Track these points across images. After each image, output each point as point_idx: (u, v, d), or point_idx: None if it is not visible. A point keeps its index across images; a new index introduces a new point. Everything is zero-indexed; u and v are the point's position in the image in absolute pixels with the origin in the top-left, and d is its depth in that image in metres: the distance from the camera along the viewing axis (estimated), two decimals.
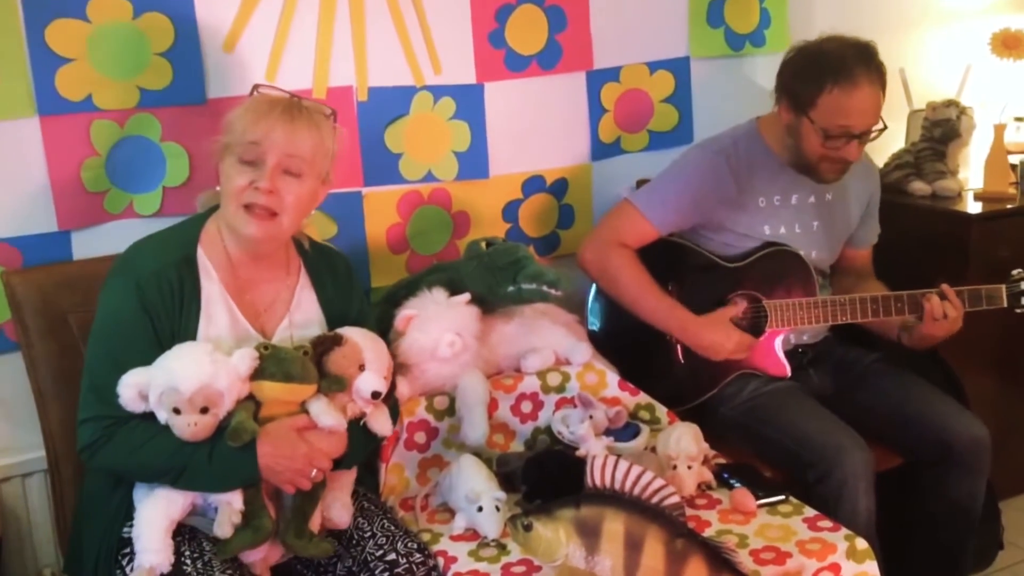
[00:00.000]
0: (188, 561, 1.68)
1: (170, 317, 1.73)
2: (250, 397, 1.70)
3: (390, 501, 2.02)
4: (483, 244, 2.27)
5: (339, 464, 1.78)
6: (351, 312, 1.92)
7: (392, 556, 1.76)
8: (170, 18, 2.14)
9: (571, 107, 2.66)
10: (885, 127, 2.25)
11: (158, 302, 1.72)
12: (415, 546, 1.79)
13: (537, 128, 2.62)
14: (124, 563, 1.72)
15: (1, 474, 2.15)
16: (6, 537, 2.12)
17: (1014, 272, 2.27)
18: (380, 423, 1.84)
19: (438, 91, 2.46)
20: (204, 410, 1.64)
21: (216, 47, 2.21)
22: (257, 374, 1.69)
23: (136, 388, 1.65)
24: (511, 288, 2.16)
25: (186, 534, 1.73)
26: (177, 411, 1.63)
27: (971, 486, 2.28)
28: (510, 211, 2.64)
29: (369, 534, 1.81)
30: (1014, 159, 2.95)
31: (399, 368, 2.09)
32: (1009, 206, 2.82)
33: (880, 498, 2.14)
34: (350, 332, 1.82)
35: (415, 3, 2.39)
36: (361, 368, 1.78)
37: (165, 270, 1.74)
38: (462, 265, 2.25)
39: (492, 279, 2.18)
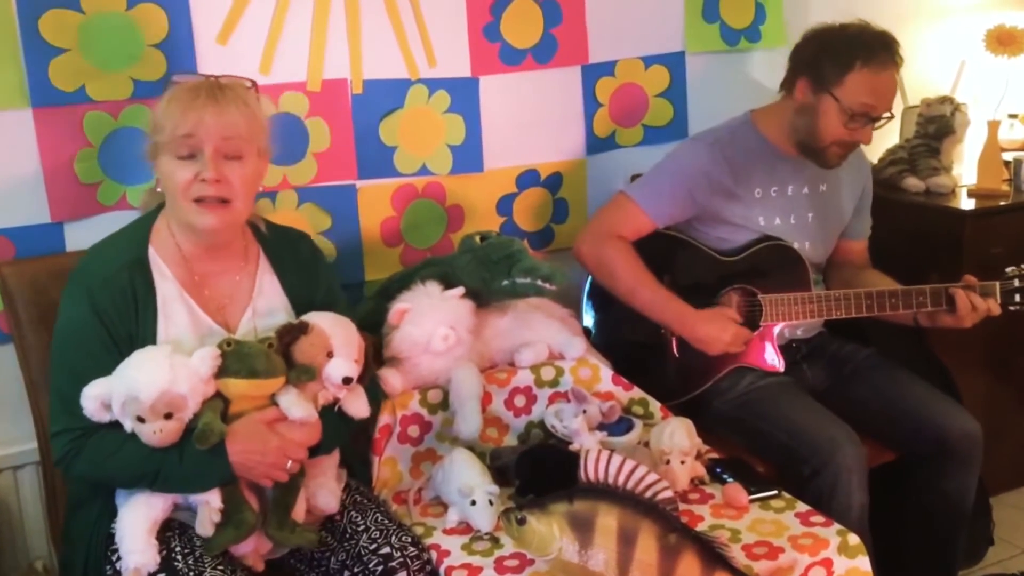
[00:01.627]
0: (179, 557, 1.68)
1: (126, 322, 1.71)
2: (218, 395, 1.69)
3: (383, 494, 2.02)
4: (477, 238, 2.27)
5: (316, 452, 1.77)
6: (317, 294, 1.90)
7: (386, 550, 1.76)
8: (164, 9, 2.14)
9: (566, 101, 2.66)
10: (892, 116, 2.28)
11: (111, 309, 1.70)
12: (409, 540, 1.78)
13: (532, 122, 2.62)
14: (114, 559, 1.71)
15: None
16: None
17: (1009, 269, 2.27)
18: (356, 406, 1.83)
19: (433, 84, 2.46)
20: (168, 415, 1.62)
21: (210, 39, 2.20)
22: (221, 372, 1.68)
23: (98, 399, 1.63)
24: (505, 282, 2.16)
25: (176, 529, 1.72)
26: (141, 419, 1.62)
27: (963, 480, 2.29)
28: (504, 205, 2.64)
29: (363, 527, 1.81)
30: (1008, 156, 2.96)
31: (392, 362, 2.09)
32: (1002, 203, 2.83)
33: (873, 494, 2.15)
34: (316, 318, 1.80)
35: None
36: (329, 355, 1.76)
37: (116, 275, 1.71)
38: (456, 259, 2.25)
39: (486, 273, 2.17)
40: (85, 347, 1.69)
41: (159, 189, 1.78)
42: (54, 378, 1.72)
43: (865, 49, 2.21)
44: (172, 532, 1.71)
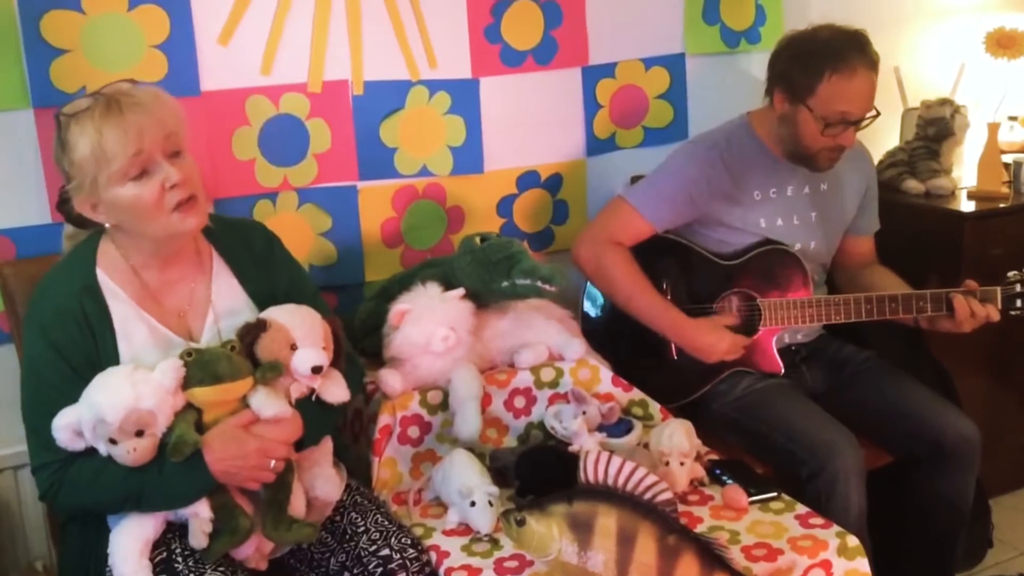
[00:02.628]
0: (179, 559, 1.68)
1: (84, 350, 1.68)
2: (190, 406, 1.67)
3: (383, 495, 2.02)
4: (477, 239, 2.27)
5: (301, 445, 1.76)
6: (279, 286, 1.86)
7: (386, 551, 1.76)
8: (165, 10, 2.14)
9: (566, 103, 2.66)
10: (878, 114, 2.26)
11: (65, 339, 1.67)
12: (409, 541, 1.79)
13: (532, 123, 2.62)
14: None
15: None
16: None
17: (1010, 274, 2.27)
18: (333, 392, 1.80)
19: (433, 85, 2.46)
20: (139, 433, 1.61)
21: (211, 40, 2.21)
22: (187, 383, 1.66)
23: (69, 429, 1.62)
24: (505, 283, 2.16)
25: (176, 531, 1.72)
26: (113, 441, 1.61)
27: (961, 483, 2.29)
28: (504, 206, 2.64)
29: (363, 529, 1.81)
30: (1007, 158, 2.96)
31: (392, 362, 2.10)
32: (1002, 205, 2.83)
33: (871, 496, 2.15)
34: (274, 313, 1.77)
35: None
36: (293, 347, 1.74)
37: (67, 305, 1.69)
38: (456, 260, 2.25)
39: (486, 274, 2.18)
40: (48, 382, 1.67)
41: (110, 224, 1.70)
42: (25, 415, 1.71)
43: (833, 56, 2.18)
44: (172, 534, 1.71)
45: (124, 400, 1.60)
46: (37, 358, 1.69)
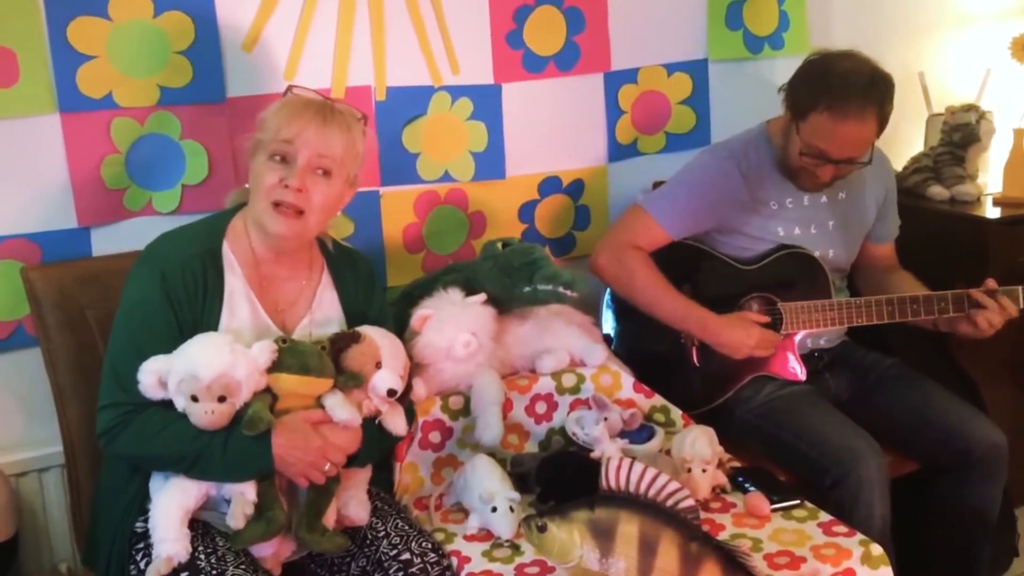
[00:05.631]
0: (202, 556, 1.69)
1: (192, 307, 1.75)
2: (267, 390, 1.72)
3: (404, 500, 2.02)
4: (499, 244, 2.27)
5: (353, 461, 1.79)
6: (371, 312, 1.95)
7: (407, 555, 1.77)
8: (191, 17, 2.16)
9: (588, 108, 2.66)
10: (869, 161, 2.24)
11: (181, 292, 1.74)
12: (429, 546, 1.79)
13: (554, 129, 2.62)
14: (138, 557, 1.73)
15: (18, 469, 2.17)
16: (23, 532, 2.13)
17: None
18: (395, 422, 1.86)
19: (456, 91, 2.47)
20: (222, 398, 1.66)
21: (236, 46, 2.22)
22: (275, 367, 1.72)
23: (156, 375, 1.67)
24: (527, 289, 2.16)
25: (199, 529, 1.73)
26: (195, 398, 1.65)
27: (987, 492, 2.28)
28: (526, 212, 2.64)
29: (383, 533, 1.82)
30: None
31: (414, 368, 2.10)
32: None
33: (895, 504, 2.14)
34: (368, 331, 1.84)
35: (434, 3, 2.40)
36: (378, 366, 1.80)
37: (190, 261, 1.76)
38: (478, 265, 2.26)
39: (508, 279, 2.18)
40: (150, 325, 1.72)
41: (247, 185, 1.82)
42: (111, 352, 1.75)
43: (835, 93, 2.14)
44: (195, 532, 1.72)
45: (222, 363, 1.65)
46: (149, 301, 1.73)
